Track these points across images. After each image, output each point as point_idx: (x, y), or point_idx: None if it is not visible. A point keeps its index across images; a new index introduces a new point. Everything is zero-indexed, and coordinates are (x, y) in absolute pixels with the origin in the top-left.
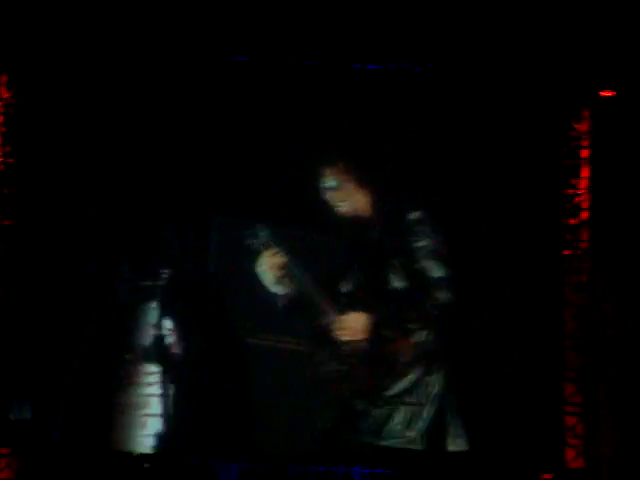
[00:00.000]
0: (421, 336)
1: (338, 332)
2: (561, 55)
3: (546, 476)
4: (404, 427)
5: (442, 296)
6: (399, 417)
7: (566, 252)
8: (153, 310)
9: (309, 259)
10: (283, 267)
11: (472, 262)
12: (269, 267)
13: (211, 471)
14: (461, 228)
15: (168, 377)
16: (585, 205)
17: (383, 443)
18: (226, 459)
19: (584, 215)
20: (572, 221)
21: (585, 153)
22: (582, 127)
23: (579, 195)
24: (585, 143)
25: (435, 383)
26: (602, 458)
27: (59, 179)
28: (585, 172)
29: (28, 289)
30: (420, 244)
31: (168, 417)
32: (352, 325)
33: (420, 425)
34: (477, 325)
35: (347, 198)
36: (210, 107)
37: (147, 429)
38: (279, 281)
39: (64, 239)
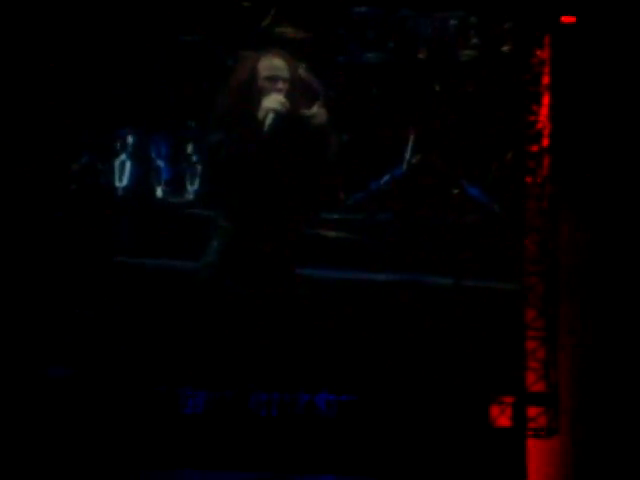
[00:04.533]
0: None
1: None
2: None
3: (507, 399)
4: None
5: None
6: None
7: (528, 179)
8: None
9: None
10: None
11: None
12: None
13: (177, 399)
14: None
15: None
16: (546, 132)
17: None
18: (192, 387)
19: (545, 142)
20: (534, 148)
21: (546, 80)
22: (544, 54)
23: (540, 122)
24: (546, 70)
25: None
26: (561, 382)
27: None
28: (546, 99)
29: None
30: None
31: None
32: None
33: None
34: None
35: None
36: None
37: None
38: None
39: None
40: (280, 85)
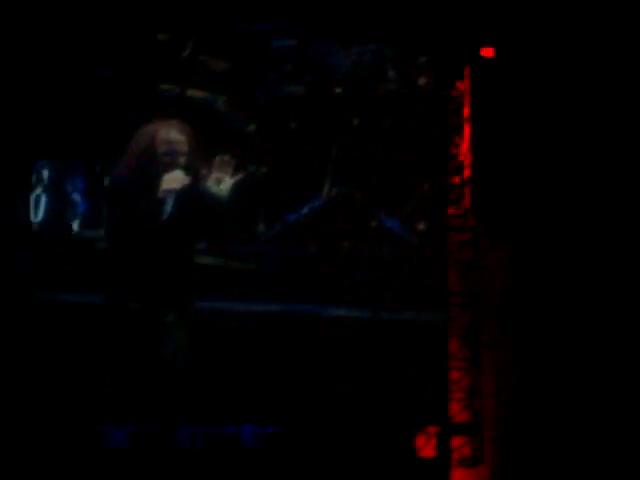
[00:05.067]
0: None
1: None
2: (442, 13)
3: (431, 429)
4: None
5: None
6: None
7: (450, 210)
8: None
9: None
10: None
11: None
12: None
13: (100, 437)
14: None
15: None
16: (467, 163)
17: None
18: (116, 423)
19: (466, 173)
20: (455, 179)
21: (467, 112)
22: (463, 85)
23: (462, 154)
24: (467, 101)
25: None
26: (485, 412)
27: None
28: (467, 130)
29: None
30: None
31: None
32: None
33: None
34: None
35: None
36: None
37: None
38: None
39: None
40: (179, 159)
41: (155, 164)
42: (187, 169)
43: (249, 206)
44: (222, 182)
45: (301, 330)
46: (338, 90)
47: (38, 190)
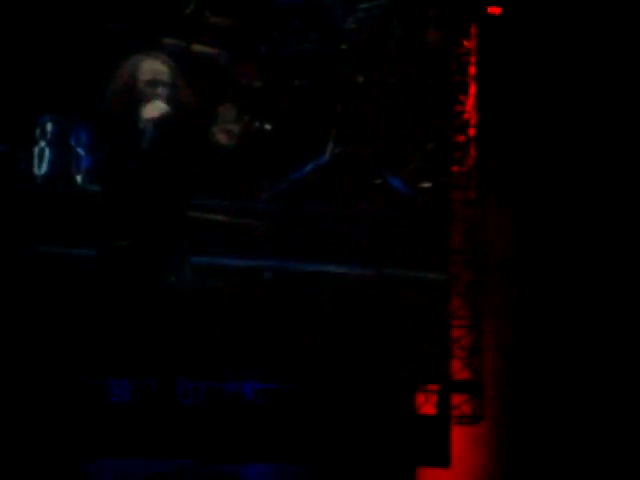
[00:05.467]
0: None
1: None
2: None
3: (432, 387)
4: None
5: None
6: None
7: (454, 168)
8: None
9: None
10: None
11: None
12: None
13: (102, 389)
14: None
15: None
16: (472, 122)
17: None
18: (117, 376)
19: (471, 132)
20: (460, 138)
21: (473, 70)
22: (470, 44)
23: (467, 112)
24: (472, 60)
25: None
26: (486, 370)
27: None
28: (472, 89)
29: None
30: None
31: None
32: None
33: None
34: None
35: None
36: None
37: None
38: None
39: None
40: (160, 90)
41: (137, 93)
42: (169, 101)
43: (253, 163)
44: (226, 133)
45: (303, 287)
46: (343, 47)
47: (42, 143)
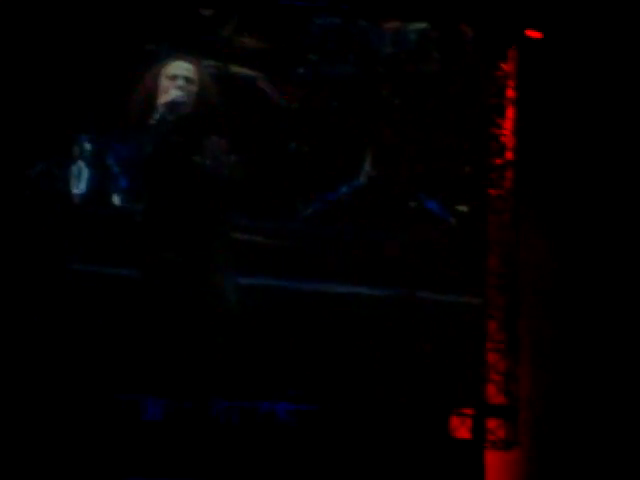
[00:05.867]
0: None
1: None
2: None
3: (467, 411)
4: None
5: None
6: None
7: (491, 191)
8: None
9: None
10: None
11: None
12: None
13: (136, 407)
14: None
15: None
16: (510, 145)
17: None
18: (151, 394)
19: (509, 155)
20: (497, 161)
21: (511, 93)
22: (508, 67)
23: (504, 135)
24: (511, 83)
25: None
26: (521, 395)
27: None
28: (510, 112)
29: None
30: None
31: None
32: None
33: None
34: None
35: None
36: None
37: None
38: None
39: None
40: (180, 82)
41: (158, 89)
42: (189, 94)
43: (289, 183)
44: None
45: (338, 309)
46: (380, 69)
47: (80, 162)
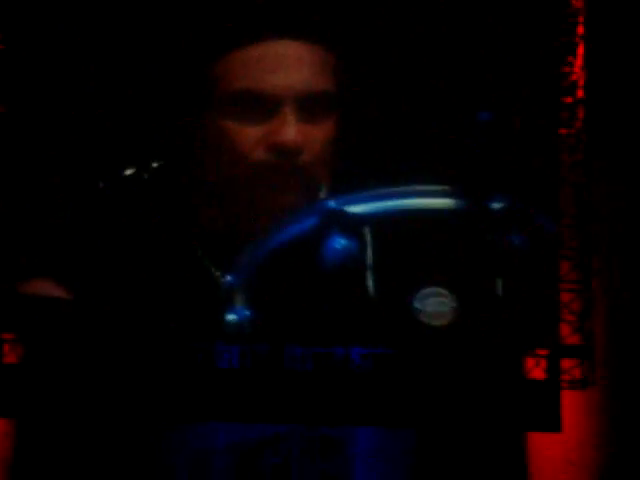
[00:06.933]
0: None
1: None
2: None
3: (541, 351)
4: None
5: None
6: None
7: (562, 131)
8: None
9: None
10: None
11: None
12: None
13: (210, 354)
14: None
15: None
16: (581, 83)
17: None
18: (225, 341)
19: (580, 93)
20: (568, 99)
21: (581, 30)
22: (577, 3)
23: (575, 73)
24: (581, 19)
25: None
26: (596, 334)
27: None
28: (580, 49)
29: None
30: None
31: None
32: None
33: None
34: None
35: None
36: None
37: None
38: None
39: None
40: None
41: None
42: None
43: None
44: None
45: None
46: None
47: None
